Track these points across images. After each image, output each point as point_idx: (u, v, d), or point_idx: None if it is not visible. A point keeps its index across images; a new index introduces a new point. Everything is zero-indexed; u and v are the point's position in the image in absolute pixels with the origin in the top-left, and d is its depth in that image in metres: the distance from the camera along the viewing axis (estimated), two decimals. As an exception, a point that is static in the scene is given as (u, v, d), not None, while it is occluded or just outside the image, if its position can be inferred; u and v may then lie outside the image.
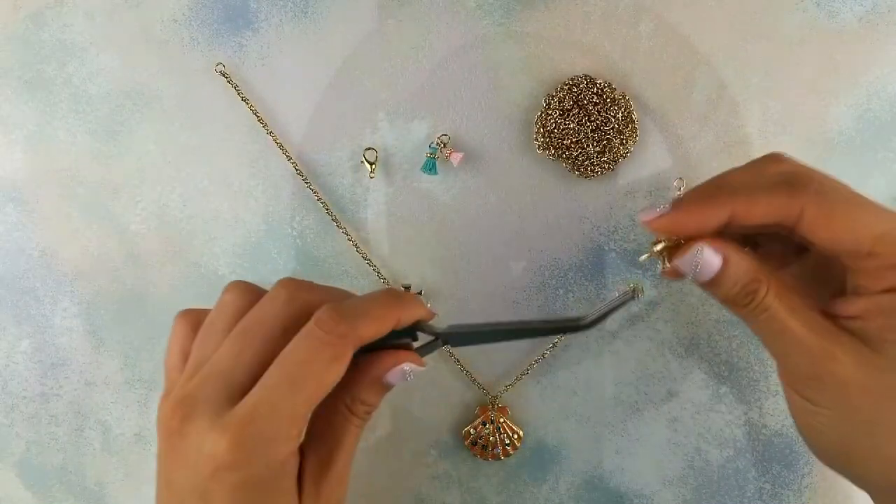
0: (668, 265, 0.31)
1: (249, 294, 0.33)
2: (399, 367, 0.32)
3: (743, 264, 0.30)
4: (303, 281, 0.32)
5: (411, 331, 0.32)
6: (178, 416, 0.29)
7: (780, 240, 0.32)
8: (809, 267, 0.33)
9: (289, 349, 0.29)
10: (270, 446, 0.28)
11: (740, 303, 0.30)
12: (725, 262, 0.30)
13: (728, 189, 0.29)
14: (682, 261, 0.30)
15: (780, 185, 0.28)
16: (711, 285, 0.30)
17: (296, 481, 0.30)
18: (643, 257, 0.32)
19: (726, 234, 0.30)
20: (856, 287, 0.29)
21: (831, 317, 0.29)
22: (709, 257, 0.29)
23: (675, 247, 0.31)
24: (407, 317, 0.32)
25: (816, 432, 0.30)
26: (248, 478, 0.28)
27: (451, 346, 0.33)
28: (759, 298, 0.29)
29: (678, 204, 0.30)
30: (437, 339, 0.33)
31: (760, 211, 0.28)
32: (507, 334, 0.33)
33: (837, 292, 0.30)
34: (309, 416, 0.30)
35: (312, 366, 0.29)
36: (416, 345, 0.33)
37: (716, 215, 0.29)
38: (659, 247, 0.31)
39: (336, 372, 0.29)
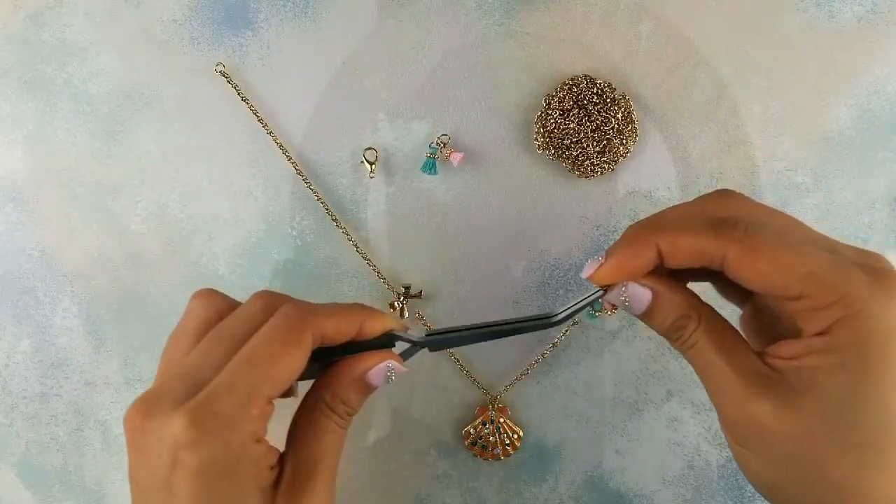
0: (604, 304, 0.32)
1: (214, 300, 0.34)
2: (382, 366, 0.32)
3: (675, 298, 0.30)
4: (279, 293, 0.33)
5: (387, 340, 0.33)
6: (140, 413, 0.29)
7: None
8: (760, 307, 0.33)
9: (251, 339, 0.30)
10: (229, 425, 0.28)
11: (672, 336, 0.31)
12: (655, 295, 0.30)
13: (654, 227, 0.29)
14: (611, 295, 0.31)
15: (706, 225, 0.28)
16: (646, 318, 0.31)
17: (264, 471, 0.30)
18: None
19: (661, 270, 0.30)
20: (793, 329, 0.28)
21: (767, 358, 0.28)
22: (635, 291, 0.30)
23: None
24: (373, 323, 0.32)
25: (751, 472, 0.30)
26: (208, 459, 0.28)
27: (430, 350, 0.34)
28: (687, 333, 0.30)
29: (610, 251, 0.30)
30: (414, 344, 0.34)
31: (684, 250, 0.29)
32: (482, 336, 0.34)
33: (785, 333, 0.30)
34: (270, 399, 0.29)
35: (270, 347, 0.29)
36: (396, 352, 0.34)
37: (642, 255, 0.29)
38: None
39: (293, 356, 0.29)
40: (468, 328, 0.34)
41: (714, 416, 0.44)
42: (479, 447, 0.44)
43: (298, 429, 0.32)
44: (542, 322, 0.33)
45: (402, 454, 0.45)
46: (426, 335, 0.34)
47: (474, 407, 0.44)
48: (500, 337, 0.34)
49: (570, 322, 0.44)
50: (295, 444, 0.32)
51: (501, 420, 0.43)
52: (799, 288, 0.26)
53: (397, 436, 0.45)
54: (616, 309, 0.33)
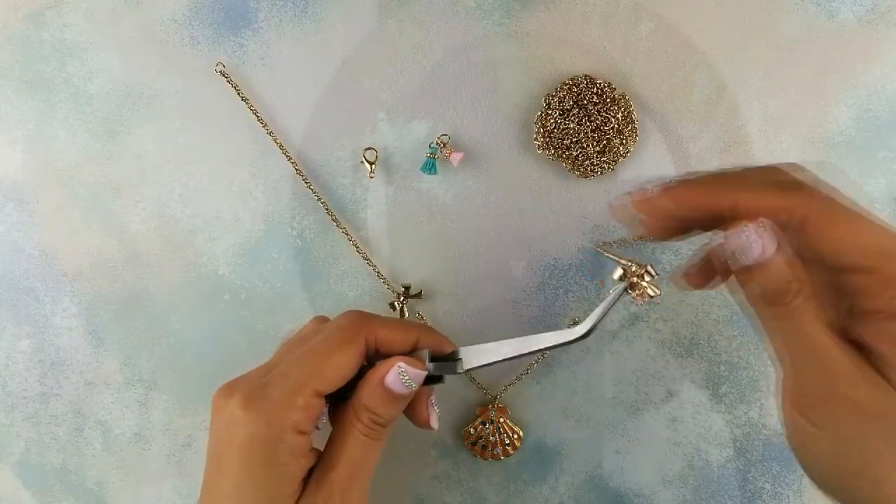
0: (634, 296, 0.31)
1: (323, 323, 0.37)
2: (394, 367, 0.33)
3: (790, 257, 0.27)
4: (368, 312, 0.36)
5: (447, 361, 0.35)
6: (222, 395, 0.32)
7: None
8: (816, 287, 0.32)
9: (313, 338, 0.33)
10: (273, 409, 0.30)
11: (773, 300, 0.27)
12: (778, 248, 0.26)
13: (736, 179, 0.28)
14: (731, 239, 0.27)
15: (788, 185, 0.28)
16: (750, 272, 0.27)
17: (300, 465, 0.32)
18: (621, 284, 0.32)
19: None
20: (863, 308, 0.27)
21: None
22: (766, 238, 0.26)
23: (633, 285, 0.31)
24: (429, 340, 0.35)
25: (812, 454, 0.28)
26: (250, 435, 0.30)
27: (469, 372, 0.36)
28: (794, 299, 0.27)
29: (682, 180, 0.28)
30: (454, 361, 0.35)
31: (765, 205, 0.27)
32: (518, 353, 0.34)
33: (844, 315, 0.29)
34: (319, 393, 0.32)
35: (324, 346, 0.32)
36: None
37: (719, 200, 0.27)
38: (618, 274, 0.31)
39: (346, 354, 0.32)
40: (504, 348, 0.34)
41: (713, 416, 0.44)
42: (479, 447, 0.44)
43: (332, 434, 0.34)
44: (576, 339, 0.33)
45: (402, 454, 0.45)
46: (463, 351, 0.35)
47: (474, 407, 0.44)
48: (534, 353, 0.35)
49: (570, 322, 0.44)
50: (327, 446, 0.34)
51: (501, 420, 0.43)
52: (873, 260, 0.26)
53: (397, 436, 0.45)
54: (643, 299, 0.31)
